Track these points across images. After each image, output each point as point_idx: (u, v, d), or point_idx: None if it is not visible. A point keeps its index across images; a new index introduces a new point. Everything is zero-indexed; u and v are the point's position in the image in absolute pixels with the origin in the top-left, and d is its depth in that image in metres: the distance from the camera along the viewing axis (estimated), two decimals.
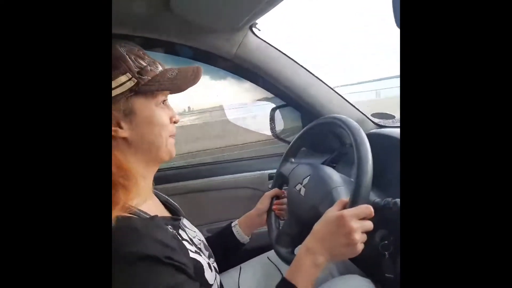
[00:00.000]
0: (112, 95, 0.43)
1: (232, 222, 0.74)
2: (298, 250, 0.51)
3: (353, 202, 0.49)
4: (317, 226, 0.50)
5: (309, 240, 0.49)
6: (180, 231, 0.50)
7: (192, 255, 0.47)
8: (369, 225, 0.47)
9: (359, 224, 0.46)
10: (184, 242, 0.48)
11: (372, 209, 0.47)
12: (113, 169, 0.43)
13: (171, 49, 0.87)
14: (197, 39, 0.83)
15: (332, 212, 0.49)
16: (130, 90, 0.45)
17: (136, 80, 0.45)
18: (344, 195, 0.56)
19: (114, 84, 0.43)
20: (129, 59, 0.45)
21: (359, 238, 0.46)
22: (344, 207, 0.49)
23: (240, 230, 0.72)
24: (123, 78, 0.44)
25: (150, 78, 0.47)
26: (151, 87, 0.47)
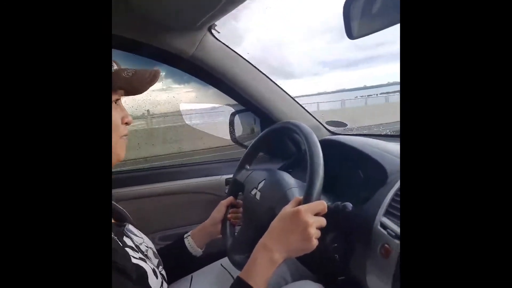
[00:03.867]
0: None
1: (184, 234, 0.72)
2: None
3: (306, 200, 0.50)
4: (273, 224, 0.50)
5: (265, 238, 0.49)
6: (124, 238, 0.48)
7: (134, 261, 0.45)
8: (322, 220, 0.49)
9: (313, 219, 0.48)
10: (127, 249, 0.46)
11: (325, 204, 0.49)
12: None
13: (126, 45, 0.82)
14: (153, 37, 0.80)
15: (288, 209, 0.50)
16: None
17: None
18: (298, 196, 0.57)
19: None
20: None
21: (314, 232, 0.47)
22: (299, 204, 0.50)
23: (192, 243, 0.70)
24: None
25: None
26: None
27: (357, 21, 0.50)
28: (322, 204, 0.49)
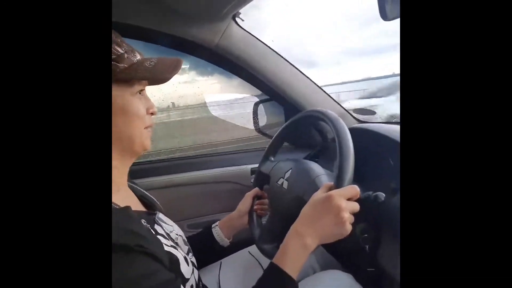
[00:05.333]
0: None
1: (212, 224, 0.73)
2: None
3: (338, 186, 0.49)
4: (305, 209, 0.49)
5: (297, 223, 0.49)
6: (156, 226, 0.49)
7: (166, 248, 0.45)
8: (355, 205, 0.47)
9: (346, 203, 0.46)
10: (159, 236, 0.46)
11: (358, 189, 0.47)
12: None
13: (150, 37, 0.83)
14: (177, 27, 0.80)
15: (319, 194, 0.49)
16: None
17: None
18: (327, 182, 0.56)
19: None
20: None
21: (348, 216, 0.46)
22: (330, 189, 0.49)
23: (220, 233, 0.71)
24: None
25: (126, 66, 0.45)
26: (126, 76, 0.45)
27: (392, 1, 0.47)
28: (354, 189, 0.47)
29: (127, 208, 0.43)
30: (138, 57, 0.48)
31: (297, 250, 0.47)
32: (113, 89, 0.45)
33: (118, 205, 0.44)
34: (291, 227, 0.49)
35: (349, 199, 0.47)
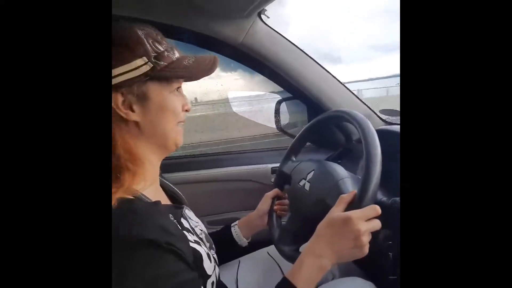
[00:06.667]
0: (127, 78, 0.43)
1: (231, 223, 0.73)
2: (303, 249, 0.50)
3: (361, 198, 0.47)
4: (322, 228, 0.48)
5: (314, 242, 0.48)
6: (182, 220, 0.50)
7: (191, 244, 0.46)
8: (377, 224, 0.46)
9: (366, 226, 0.45)
10: (185, 231, 0.47)
11: (378, 210, 0.46)
12: (121, 152, 0.43)
13: (175, 34, 0.83)
14: (202, 25, 0.80)
15: (337, 213, 0.48)
16: (145, 74, 0.44)
17: (152, 65, 0.44)
18: (351, 187, 0.55)
19: (129, 67, 0.42)
20: (146, 43, 0.44)
21: (367, 240, 0.45)
22: (348, 204, 0.48)
23: (239, 232, 0.71)
24: (139, 62, 0.43)
25: (166, 64, 0.46)
26: (166, 74, 0.46)
27: None
28: (375, 210, 0.46)
29: (158, 202, 0.44)
30: (177, 54, 0.48)
31: (312, 269, 0.46)
32: (153, 86, 0.46)
33: (150, 199, 0.45)
34: (307, 245, 0.49)
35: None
